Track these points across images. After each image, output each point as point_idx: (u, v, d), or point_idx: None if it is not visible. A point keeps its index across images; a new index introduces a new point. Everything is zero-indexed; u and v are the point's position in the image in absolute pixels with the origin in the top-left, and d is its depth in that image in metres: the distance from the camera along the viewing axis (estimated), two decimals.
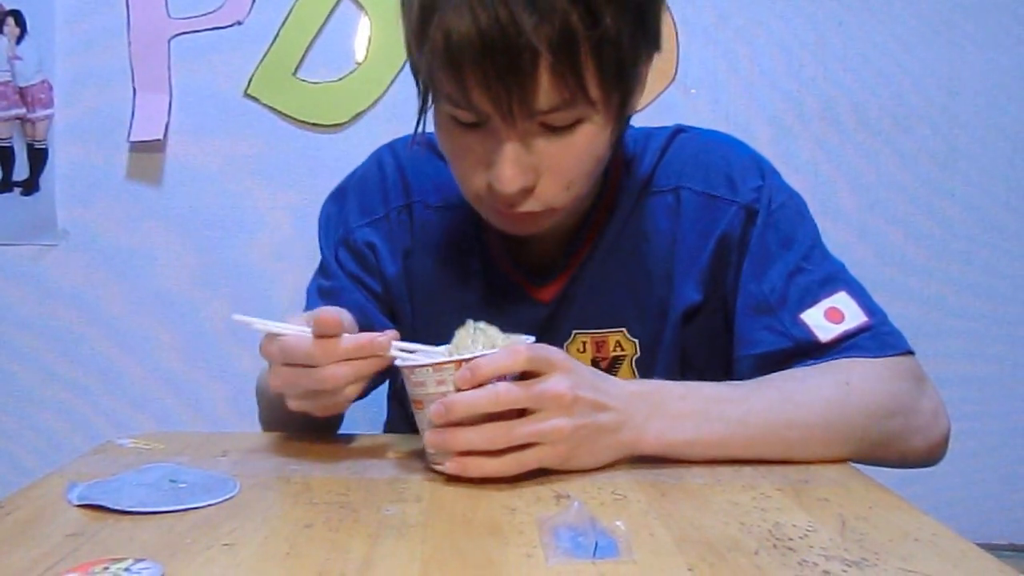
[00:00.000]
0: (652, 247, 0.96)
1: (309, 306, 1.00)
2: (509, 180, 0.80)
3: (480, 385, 0.71)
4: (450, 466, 0.73)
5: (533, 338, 0.78)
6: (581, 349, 0.96)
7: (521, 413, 0.72)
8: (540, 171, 0.82)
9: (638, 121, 0.97)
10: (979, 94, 1.77)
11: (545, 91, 0.76)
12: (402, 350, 0.78)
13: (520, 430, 0.72)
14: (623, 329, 0.96)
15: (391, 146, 1.06)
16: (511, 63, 0.74)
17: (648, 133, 1.01)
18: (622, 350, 0.96)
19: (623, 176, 0.98)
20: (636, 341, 0.96)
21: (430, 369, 0.73)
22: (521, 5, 0.72)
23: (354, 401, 0.81)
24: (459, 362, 0.72)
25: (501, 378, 0.72)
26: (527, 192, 0.83)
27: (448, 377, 0.72)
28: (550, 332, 0.95)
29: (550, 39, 0.73)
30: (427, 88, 0.84)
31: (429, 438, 0.74)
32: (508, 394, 0.71)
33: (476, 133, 0.81)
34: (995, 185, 1.79)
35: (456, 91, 0.78)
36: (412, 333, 0.83)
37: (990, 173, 1.79)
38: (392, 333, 0.78)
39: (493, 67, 0.74)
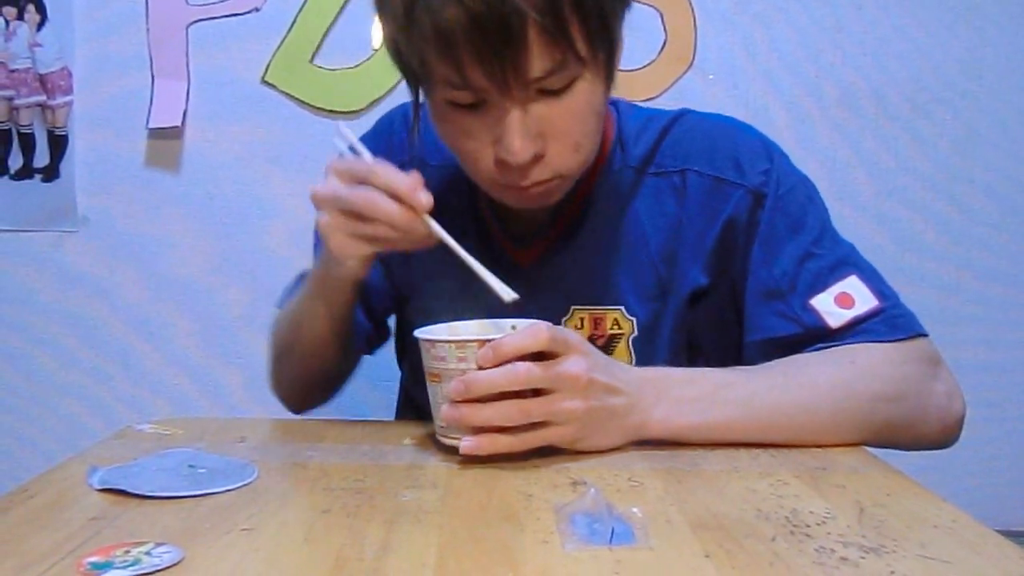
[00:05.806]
0: (655, 227, 0.95)
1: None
2: (519, 149, 0.81)
3: (500, 364, 0.73)
4: (466, 444, 0.74)
5: (548, 324, 0.78)
6: (579, 326, 0.96)
7: (535, 392, 0.74)
8: (546, 137, 0.83)
9: (654, 106, 0.96)
10: (1000, 78, 1.75)
11: (537, 56, 0.77)
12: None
13: (536, 409, 0.74)
14: (621, 307, 0.96)
15: (404, 106, 1.08)
16: (501, 34, 0.75)
17: (650, 115, 1.00)
18: (619, 328, 0.96)
19: (615, 151, 0.97)
20: (634, 320, 0.95)
21: (452, 346, 0.75)
22: None
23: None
24: (481, 341, 0.74)
25: (521, 358, 0.73)
26: (538, 159, 0.83)
27: (470, 355, 0.74)
28: (533, 299, 0.89)
29: (535, 3, 0.75)
30: (418, 80, 0.86)
31: (447, 413, 0.75)
32: (528, 374, 0.73)
33: (476, 113, 0.82)
34: (1016, 171, 1.77)
35: (451, 72, 0.79)
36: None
37: (1011, 158, 1.77)
38: (428, 201, 0.81)
39: (484, 41, 0.75)
